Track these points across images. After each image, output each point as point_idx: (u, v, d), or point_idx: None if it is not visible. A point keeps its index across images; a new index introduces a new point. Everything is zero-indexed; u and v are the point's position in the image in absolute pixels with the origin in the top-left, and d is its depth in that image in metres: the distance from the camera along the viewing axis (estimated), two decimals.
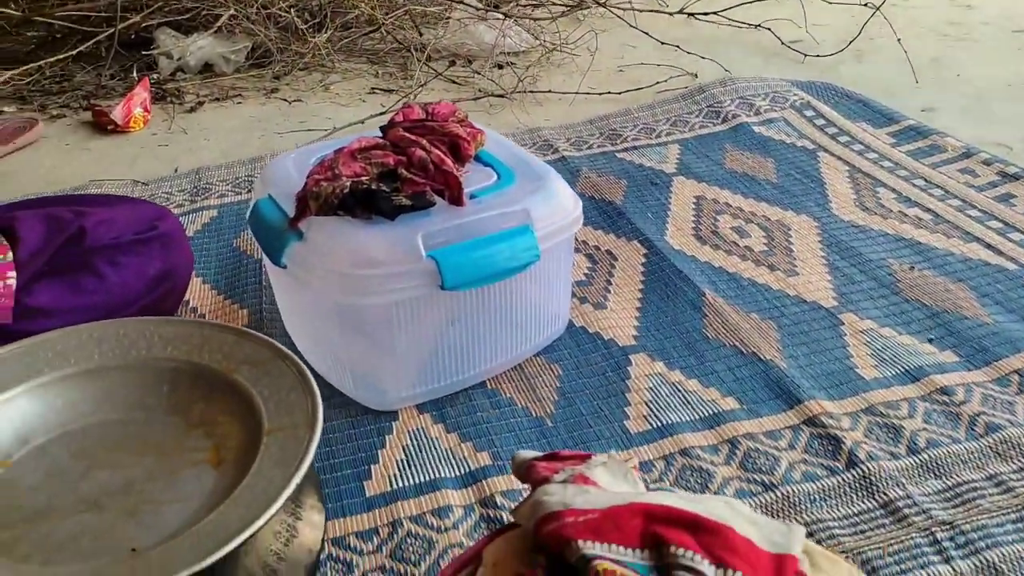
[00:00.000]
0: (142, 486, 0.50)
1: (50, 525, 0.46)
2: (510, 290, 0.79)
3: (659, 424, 0.77)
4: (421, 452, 0.75)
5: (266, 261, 0.87)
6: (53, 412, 0.54)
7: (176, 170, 1.36)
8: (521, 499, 0.57)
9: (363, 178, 0.75)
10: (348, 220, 0.74)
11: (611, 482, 0.50)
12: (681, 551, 0.42)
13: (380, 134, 0.83)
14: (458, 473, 0.72)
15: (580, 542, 0.43)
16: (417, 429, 0.78)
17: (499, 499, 0.69)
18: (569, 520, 0.45)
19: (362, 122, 1.50)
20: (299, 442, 0.50)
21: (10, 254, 0.71)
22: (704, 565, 0.41)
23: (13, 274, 0.69)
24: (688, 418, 0.78)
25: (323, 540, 0.52)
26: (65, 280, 0.76)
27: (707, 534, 0.43)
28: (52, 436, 0.53)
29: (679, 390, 0.81)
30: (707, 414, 0.78)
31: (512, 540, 0.51)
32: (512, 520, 0.53)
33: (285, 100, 1.66)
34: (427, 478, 0.72)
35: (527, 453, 0.55)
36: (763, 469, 0.71)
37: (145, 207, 0.86)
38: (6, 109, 1.64)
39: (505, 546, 0.51)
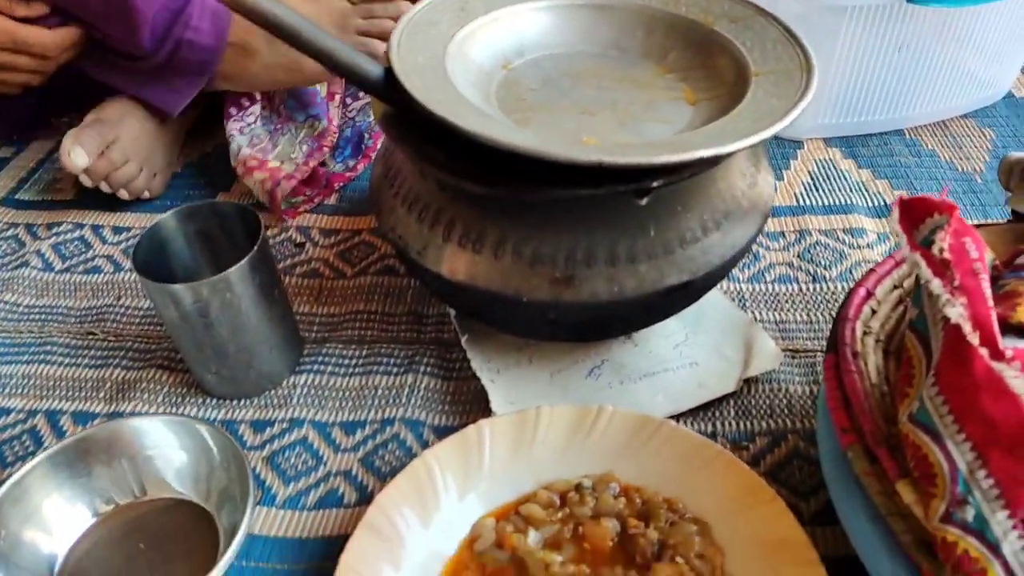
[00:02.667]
0: (625, 106, 0.53)
1: (552, 117, 0.51)
2: (973, 25, 0.70)
3: None
4: (829, 179, 0.72)
5: None
6: (542, 35, 0.58)
7: None
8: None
9: None
10: None
11: None
12: None
13: None
14: (872, 204, 0.69)
15: None
16: (824, 160, 0.75)
17: None
18: None
19: None
20: (794, 81, 0.49)
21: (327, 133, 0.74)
22: None
23: (326, 150, 0.72)
24: None
25: (772, 200, 0.53)
26: None
27: None
28: (542, 54, 0.57)
29: None
30: None
31: (997, 231, 0.48)
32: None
33: None
34: (837, 202, 0.69)
35: (1020, 153, 0.50)
36: None
37: None
38: None
39: (989, 235, 0.48)
